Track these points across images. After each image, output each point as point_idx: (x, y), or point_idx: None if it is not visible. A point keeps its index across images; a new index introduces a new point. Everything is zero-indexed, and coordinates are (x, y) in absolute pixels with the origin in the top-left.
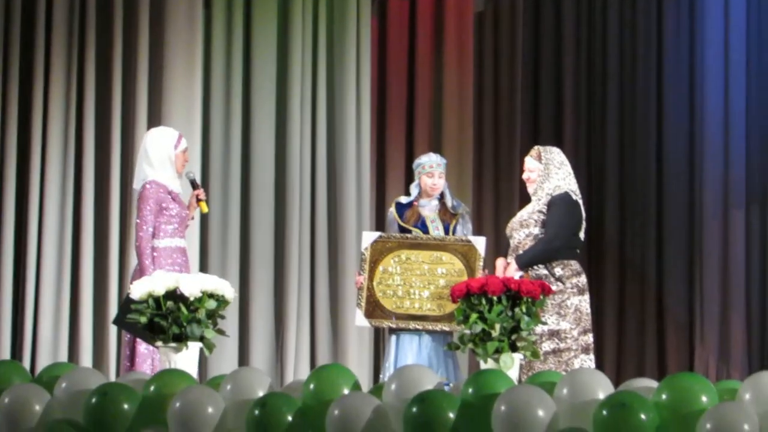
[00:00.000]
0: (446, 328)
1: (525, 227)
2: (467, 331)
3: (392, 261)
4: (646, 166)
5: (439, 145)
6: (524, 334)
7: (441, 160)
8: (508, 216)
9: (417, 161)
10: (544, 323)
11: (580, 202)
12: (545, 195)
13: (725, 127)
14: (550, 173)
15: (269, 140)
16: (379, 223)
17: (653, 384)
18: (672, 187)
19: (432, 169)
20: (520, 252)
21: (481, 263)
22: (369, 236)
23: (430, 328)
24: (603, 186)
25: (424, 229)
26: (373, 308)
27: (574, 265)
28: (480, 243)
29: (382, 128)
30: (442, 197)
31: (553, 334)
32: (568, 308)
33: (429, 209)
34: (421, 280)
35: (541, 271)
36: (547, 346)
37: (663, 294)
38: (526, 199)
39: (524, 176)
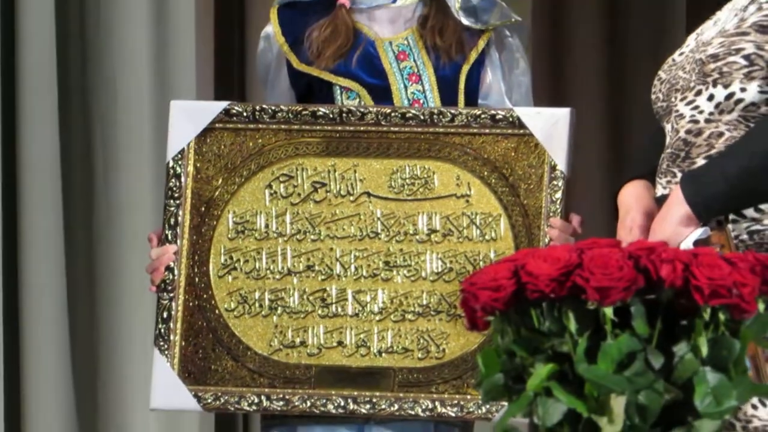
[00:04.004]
0: (450, 411)
1: (717, 79)
2: (521, 422)
3: (268, 193)
4: None
5: None
6: (707, 426)
7: None
8: (658, 54)
9: None
10: None
11: None
12: None
13: None
14: None
15: None
16: (223, 70)
17: None
18: None
19: None
20: (698, 161)
21: (559, 195)
22: (193, 112)
23: (396, 410)
24: None
25: (376, 81)
26: (208, 352)
27: None
28: (557, 126)
29: None
30: None
31: None
32: None
33: (389, 16)
34: (366, 251)
35: None
36: None
37: None
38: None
39: None
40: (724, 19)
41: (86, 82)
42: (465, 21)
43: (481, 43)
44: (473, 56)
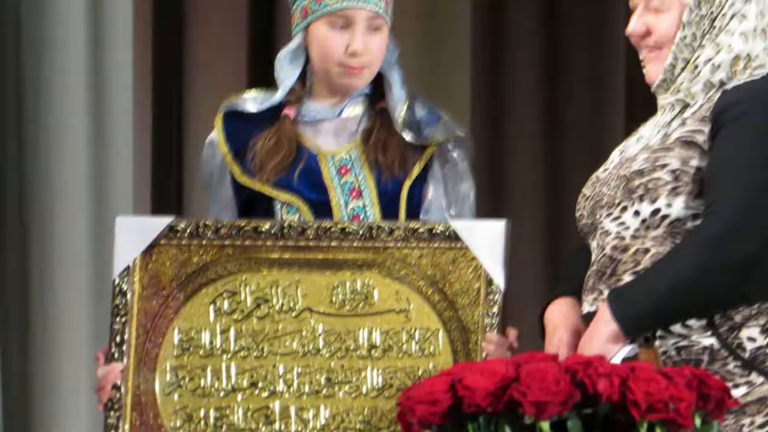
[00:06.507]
0: None
1: (642, 195)
2: None
3: (212, 309)
4: None
5: None
6: None
7: None
8: (587, 164)
9: None
10: None
11: None
12: (702, 86)
13: None
14: (721, 18)
15: None
16: (159, 192)
17: None
18: None
19: (347, 5)
20: (625, 277)
21: (496, 310)
22: (138, 229)
23: None
24: None
25: (317, 196)
26: None
27: None
28: (492, 239)
29: None
30: (377, 93)
31: None
32: None
33: (334, 129)
34: (308, 367)
35: (699, 338)
36: None
37: None
38: (639, 111)
39: (632, 28)
40: (647, 135)
41: (22, 190)
42: (408, 137)
43: (424, 159)
44: (416, 171)
